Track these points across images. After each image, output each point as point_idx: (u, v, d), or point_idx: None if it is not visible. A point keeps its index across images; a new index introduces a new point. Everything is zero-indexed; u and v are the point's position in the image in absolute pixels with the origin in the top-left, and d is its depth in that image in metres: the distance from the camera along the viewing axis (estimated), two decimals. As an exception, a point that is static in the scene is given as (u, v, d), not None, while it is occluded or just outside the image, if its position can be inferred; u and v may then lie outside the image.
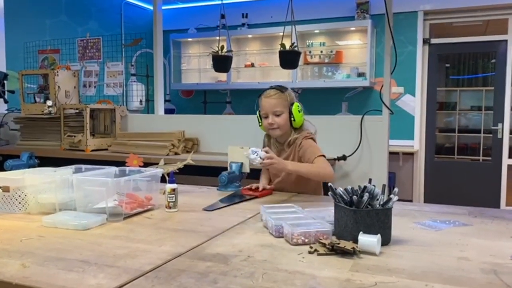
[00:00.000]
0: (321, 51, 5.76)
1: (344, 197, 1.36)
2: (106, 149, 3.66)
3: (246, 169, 2.27)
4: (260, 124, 2.25)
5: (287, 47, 3.43)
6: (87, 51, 4.57)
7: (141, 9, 6.44)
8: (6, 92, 4.04)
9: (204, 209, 1.79)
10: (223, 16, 4.50)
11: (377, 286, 1.01)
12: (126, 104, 5.08)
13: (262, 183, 2.23)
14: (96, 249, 1.28)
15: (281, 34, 3.65)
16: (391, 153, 3.16)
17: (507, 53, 5.15)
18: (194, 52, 6.52)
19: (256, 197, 2.03)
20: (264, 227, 1.51)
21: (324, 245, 1.24)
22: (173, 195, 1.74)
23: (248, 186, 2.15)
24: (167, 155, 3.30)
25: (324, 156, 2.10)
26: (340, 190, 1.39)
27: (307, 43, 5.77)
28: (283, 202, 1.92)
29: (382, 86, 2.95)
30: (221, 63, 3.74)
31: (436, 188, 5.49)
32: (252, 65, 6.07)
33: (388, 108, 2.93)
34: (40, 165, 2.43)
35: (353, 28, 5.61)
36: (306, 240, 1.31)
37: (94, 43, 4.53)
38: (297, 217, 1.49)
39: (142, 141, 3.52)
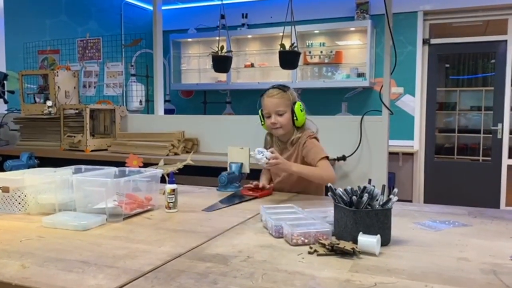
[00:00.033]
0: (321, 52, 5.76)
1: (344, 197, 1.36)
2: (106, 150, 3.66)
3: (246, 170, 2.27)
4: (263, 123, 2.26)
5: (287, 47, 3.43)
6: (87, 51, 4.57)
7: (141, 9, 6.44)
8: (6, 93, 4.04)
9: (204, 210, 1.79)
10: (223, 17, 4.50)
11: (376, 287, 1.01)
12: (126, 104, 5.08)
13: (263, 182, 2.23)
14: (95, 249, 1.28)
15: (281, 34, 3.65)
16: (391, 153, 3.16)
17: (506, 53, 5.15)
18: (194, 52, 6.52)
19: (256, 197, 2.03)
20: (264, 228, 1.51)
21: (323, 245, 1.24)
22: (173, 196, 1.74)
23: (249, 184, 2.15)
24: (167, 155, 3.30)
25: (327, 157, 2.12)
26: (339, 190, 1.39)
27: (307, 44, 5.77)
28: (283, 202, 1.92)
29: (381, 87, 2.95)
30: (221, 63, 3.74)
31: (436, 188, 5.50)
32: (252, 65, 6.08)
33: (388, 109, 2.93)
34: (40, 165, 2.43)
35: (352, 29, 5.61)
36: (306, 241, 1.31)
37: (94, 44, 4.53)
38: (297, 217, 1.49)
39: (142, 141, 3.52)
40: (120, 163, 2.04)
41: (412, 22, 5.37)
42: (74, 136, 3.58)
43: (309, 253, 1.23)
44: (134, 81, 5.34)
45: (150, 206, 1.77)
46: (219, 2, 4.28)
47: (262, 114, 2.24)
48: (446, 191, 5.42)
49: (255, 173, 2.34)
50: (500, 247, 1.30)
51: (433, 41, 5.45)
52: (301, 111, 2.18)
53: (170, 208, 1.74)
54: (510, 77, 5.14)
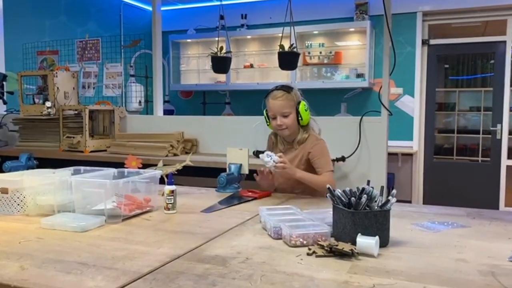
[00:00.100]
0: (320, 52, 5.76)
1: (343, 199, 1.37)
2: (105, 150, 3.66)
3: (245, 171, 2.27)
4: (268, 123, 2.30)
5: (286, 48, 3.43)
6: (86, 52, 4.57)
7: (140, 10, 6.44)
8: (5, 93, 4.04)
9: (203, 211, 1.79)
10: (222, 17, 4.49)
11: (375, 288, 1.01)
12: (125, 105, 5.08)
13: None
14: (94, 251, 1.28)
15: (280, 35, 3.65)
16: (390, 154, 3.16)
17: (506, 53, 5.15)
18: (193, 53, 6.52)
19: (255, 198, 2.04)
20: (262, 229, 1.51)
21: (322, 247, 1.24)
22: (172, 197, 1.74)
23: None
24: (166, 156, 3.30)
25: (332, 171, 2.21)
26: (338, 192, 1.39)
27: (306, 44, 5.77)
28: (282, 203, 1.93)
29: (381, 87, 2.95)
30: (220, 64, 3.74)
31: (435, 189, 5.50)
32: (251, 66, 6.08)
33: (387, 109, 2.94)
34: (39, 166, 2.43)
35: (352, 29, 5.61)
36: (305, 242, 1.31)
37: (93, 44, 4.53)
38: (295, 218, 1.49)
39: (141, 142, 3.52)
40: (119, 164, 2.04)
41: (411, 23, 5.37)
42: (73, 137, 3.58)
43: (308, 254, 1.23)
44: (133, 82, 5.34)
45: (149, 207, 1.77)
46: (218, 3, 4.28)
47: (267, 115, 2.26)
48: (445, 191, 5.42)
49: (254, 174, 2.34)
50: (498, 249, 1.30)
51: (432, 41, 5.46)
52: (306, 110, 2.22)
53: (169, 209, 1.74)
54: (509, 77, 5.14)
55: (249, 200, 2.00)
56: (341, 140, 3.05)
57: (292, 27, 3.59)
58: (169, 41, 6.24)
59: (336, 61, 5.65)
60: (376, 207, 1.34)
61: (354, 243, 1.24)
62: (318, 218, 1.49)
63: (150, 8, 5.10)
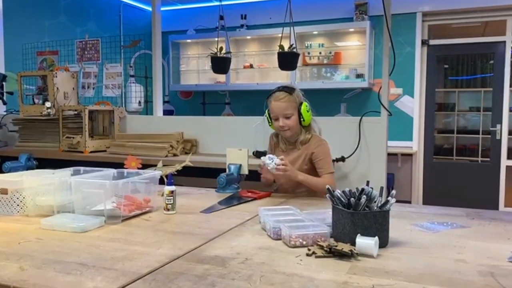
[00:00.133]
0: (320, 52, 5.76)
1: (342, 199, 1.37)
2: (105, 151, 3.66)
3: (245, 171, 2.28)
4: (270, 124, 2.31)
5: (286, 48, 3.43)
6: (86, 52, 4.57)
7: (139, 10, 6.44)
8: (4, 94, 4.04)
9: (202, 212, 1.79)
10: (222, 17, 4.49)
11: (374, 289, 1.01)
12: (124, 105, 5.08)
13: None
14: (94, 251, 1.28)
15: (280, 35, 3.65)
16: (389, 154, 3.16)
17: (505, 54, 5.16)
18: (193, 53, 6.52)
19: (254, 199, 2.04)
20: (262, 229, 1.51)
21: (322, 247, 1.24)
22: (172, 197, 1.74)
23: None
24: (166, 156, 3.30)
25: (333, 172, 2.23)
26: (338, 192, 1.39)
27: (306, 44, 5.77)
28: (281, 204, 1.93)
29: (380, 87, 2.95)
30: (220, 64, 3.74)
31: (435, 189, 5.50)
32: (251, 66, 6.08)
33: (387, 110, 2.94)
34: (38, 166, 2.43)
35: (351, 30, 5.62)
36: (304, 243, 1.31)
37: (92, 45, 4.53)
38: (295, 219, 1.49)
39: (140, 142, 3.52)
40: (119, 164, 2.05)
41: (411, 23, 5.37)
42: (73, 137, 3.58)
43: (307, 255, 1.23)
44: (133, 82, 5.34)
45: (148, 208, 1.78)
46: (218, 3, 4.29)
47: (269, 116, 2.26)
48: (445, 191, 5.42)
49: (254, 175, 2.34)
50: (498, 249, 1.30)
51: (432, 42, 5.46)
52: (308, 111, 2.24)
53: (168, 209, 1.74)
54: (509, 77, 5.14)
55: (248, 201, 2.00)
56: (340, 141, 3.05)
57: (291, 28, 3.59)
58: (169, 41, 6.24)
59: (336, 62, 5.66)
60: (375, 208, 1.34)
61: (353, 243, 1.24)
62: (318, 218, 1.49)
63: (149, 9, 5.11)
